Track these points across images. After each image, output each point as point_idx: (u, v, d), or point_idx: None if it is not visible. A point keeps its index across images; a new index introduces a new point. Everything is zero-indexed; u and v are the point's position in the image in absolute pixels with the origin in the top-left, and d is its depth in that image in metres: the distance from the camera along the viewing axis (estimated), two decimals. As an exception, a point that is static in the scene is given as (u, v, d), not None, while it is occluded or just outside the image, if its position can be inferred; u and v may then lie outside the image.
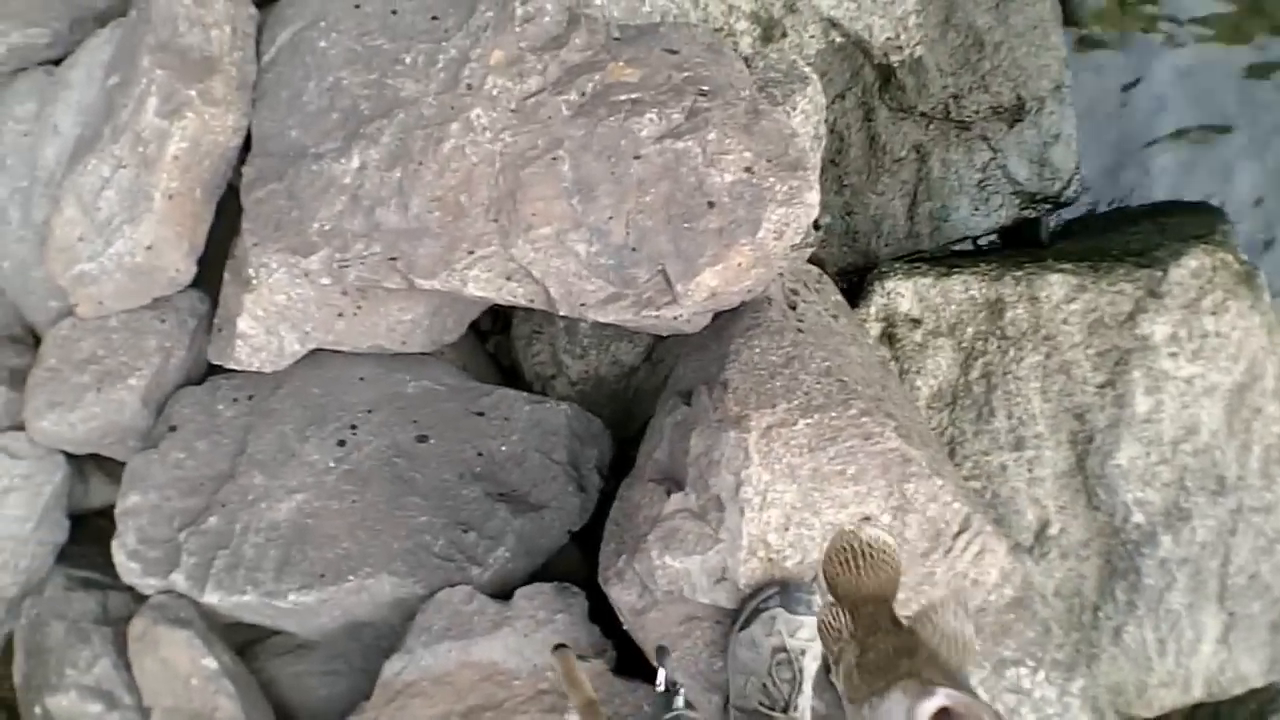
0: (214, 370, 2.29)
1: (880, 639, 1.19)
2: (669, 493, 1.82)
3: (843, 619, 1.25)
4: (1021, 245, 2.84)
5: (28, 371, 2.25)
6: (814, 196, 1.80)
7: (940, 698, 0.96)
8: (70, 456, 2.31)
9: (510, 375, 2.54)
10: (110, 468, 2.37)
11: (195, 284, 2.23)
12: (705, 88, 1.86)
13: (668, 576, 1.77)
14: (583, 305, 1.82)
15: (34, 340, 2.40)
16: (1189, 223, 2.69)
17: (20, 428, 2.26)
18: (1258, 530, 2.40)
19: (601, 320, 1.84)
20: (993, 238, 2.81)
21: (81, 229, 2.09)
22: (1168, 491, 2.38)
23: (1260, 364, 2.43)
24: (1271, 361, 2.43)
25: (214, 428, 2.18)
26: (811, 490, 1.76)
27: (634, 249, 1.79)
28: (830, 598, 1.30)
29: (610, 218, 1.79)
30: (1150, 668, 2.39)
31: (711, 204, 1.78)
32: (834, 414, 1.79)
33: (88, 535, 2.36)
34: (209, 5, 2.08)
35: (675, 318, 1.83)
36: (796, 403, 1.79)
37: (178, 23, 2.05)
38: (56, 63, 2.37)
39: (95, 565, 2.26)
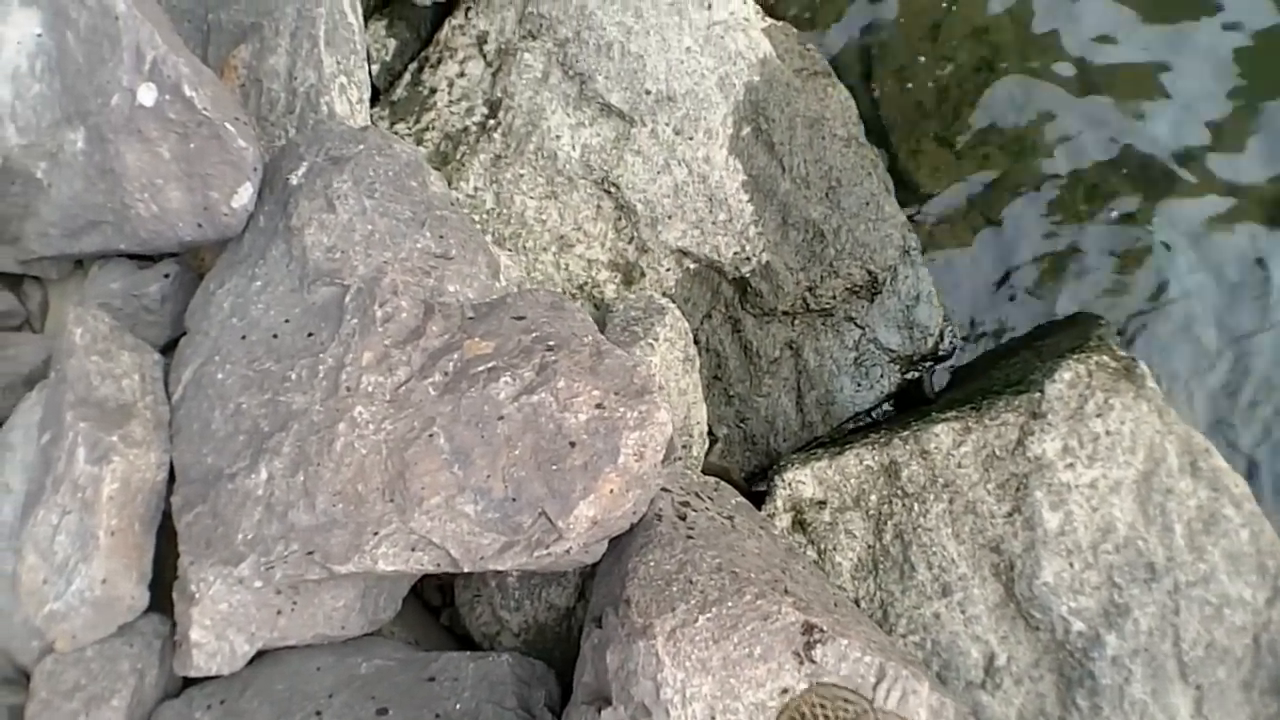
0: (191, 682, 2.44)
1: None
2: (599, 710, 1.95)
3: None
4: (911, 405, 3.01)
5: (24, 707, 2.41)
6: (664, 415, 1.98)
7: None
8: (82, 781, 2.44)
9: (465, 642, 2.65)
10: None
11: (158, 608, 2.41)
12: (551, 343, 2.07)
13: (616, 789, 1.89)
14: (482, 559, 1.98)
15: (25, 679, 2.57)
16: (1064, 338, 2.87)
17: (26, 759, 2.41)
18: (1201, 601, 2.49)
19: (501, 569, 2.00)
20: (885, 406, 2.97)
21: (44, 573, 2.27)
22: (1100, 593, 2.47)
23: (1159, 447, 2.55)
24: (1170, 441, 2.56)
25: (195, 736, 2.32)
26: (726, 678, 1.89)
27: (514, 499, 1.97)
28: None
29: (488, 476, 1.97)
30: (1132, 761, 2.43)
31: (573, 443, 1.97)
32: (730, 604, 1.93)
33: None
34: (116, 359, 2.33)
35: (567, 552, 1.99)
36: (694, 601, 1.94)
37: (90, 378, 2.29)
38: (-2, 426, 2.60)
39: None
